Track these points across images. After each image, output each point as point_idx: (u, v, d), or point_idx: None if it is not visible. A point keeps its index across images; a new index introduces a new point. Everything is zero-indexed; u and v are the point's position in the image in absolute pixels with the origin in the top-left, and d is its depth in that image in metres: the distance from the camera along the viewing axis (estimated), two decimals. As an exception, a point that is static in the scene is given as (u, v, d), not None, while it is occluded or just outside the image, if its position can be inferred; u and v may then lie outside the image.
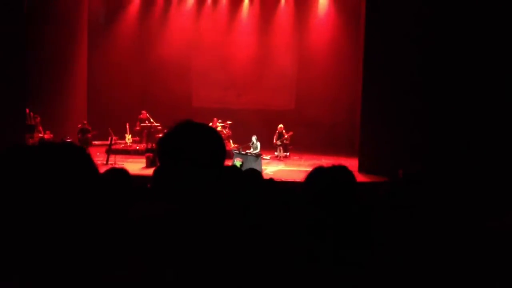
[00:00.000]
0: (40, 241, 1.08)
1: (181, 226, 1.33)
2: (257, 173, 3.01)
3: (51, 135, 13.50)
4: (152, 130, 14.97)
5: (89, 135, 13.96)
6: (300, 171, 11.53)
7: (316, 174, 1.95)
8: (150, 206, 1.43)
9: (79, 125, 14.15)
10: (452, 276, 1.86)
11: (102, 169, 2.95)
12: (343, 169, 1.96)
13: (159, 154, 1.46)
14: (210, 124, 13.69)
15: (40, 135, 13.21)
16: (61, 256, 1.09)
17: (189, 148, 1.42)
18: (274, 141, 14.13)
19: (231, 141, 14.73)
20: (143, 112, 15.26)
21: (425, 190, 3.00)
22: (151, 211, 1.39)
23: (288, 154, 14.27)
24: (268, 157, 13.77)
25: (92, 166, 1.20)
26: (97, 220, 1.18)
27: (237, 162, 11.91)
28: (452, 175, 8.83)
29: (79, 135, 13.70)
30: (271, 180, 3.29)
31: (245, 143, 13.29)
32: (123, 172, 3.03)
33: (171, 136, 1.46)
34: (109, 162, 12.08)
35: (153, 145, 12.94)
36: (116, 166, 3.00)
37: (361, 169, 11.48)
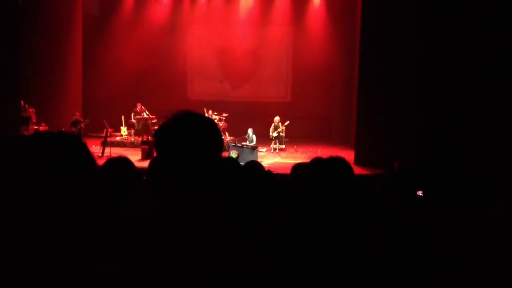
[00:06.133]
0: (37, 231, 1.07)
1: (173, 219, 1.32)
2: (259, 165, 2.99)
3: (46, 127, 13.42)
4: (147, 122, 14.91)
5: (83, 125, 13.89)
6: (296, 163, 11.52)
7: (315, 165, 1.94)
8: (140, 201, 1.42)
9: (74, 118, 14.09)
10: (453, 267, 1.87)
11: (98, 161, 2.87)
12: (341, 161, 1.96)
13: (157, 144, 1.44)
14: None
15: (35, 127, 13.14)
16: (55, 247, 1.08)
17: (186, 138, 1.41)
18: (270, 133, 14.10)
19: (227, 133, 14.69)
20: (138, 104, 15.19)
21: (420, 182, 3.01)
22: (140, 205, 1.37)
23: (284, 146, 14.26)
24: (264, 150, 13.76)
25: (89, 155, 1.18)
26: (94, 212, 1.17)
27: (233, 154, 11.89)
28: (447, 167, 8.88)
29: (72, 128, 13.64)
30: (269, 172, 3.28)
31: (241, 135, 13.27)
32: (124, 160, 2.84)
33: (169, 126, 1.44)
34: (105, 154, 12.04)
35: (149, 137, 12.89)
36: (114, 155, 2.79)
37: (357, 161, 11.50)
